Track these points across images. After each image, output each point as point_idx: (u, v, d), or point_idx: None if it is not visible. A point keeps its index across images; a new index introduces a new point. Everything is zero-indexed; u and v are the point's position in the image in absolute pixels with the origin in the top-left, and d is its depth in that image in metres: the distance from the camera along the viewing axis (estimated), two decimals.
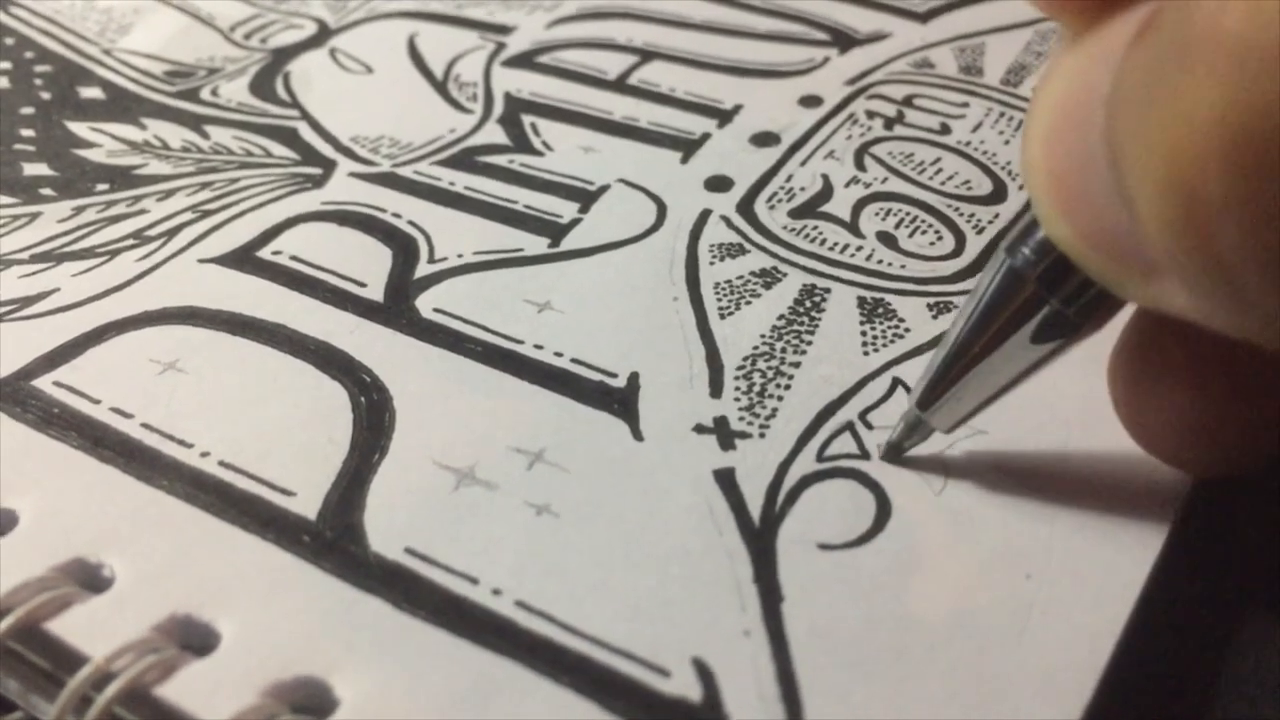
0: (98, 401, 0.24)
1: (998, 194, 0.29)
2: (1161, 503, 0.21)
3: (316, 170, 0.30)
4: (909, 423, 0.21)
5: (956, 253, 0.27)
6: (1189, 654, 0.20)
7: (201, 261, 0.27)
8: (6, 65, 0.35)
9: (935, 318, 0.25)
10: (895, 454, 0.22)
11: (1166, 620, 0.20)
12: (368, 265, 0.27)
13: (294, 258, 0.27)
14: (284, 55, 0.35)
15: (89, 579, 0.20)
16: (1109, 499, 0.21)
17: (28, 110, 0.33)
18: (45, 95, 0.34)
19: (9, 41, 0.36)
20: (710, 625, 0.19)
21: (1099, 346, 0.23)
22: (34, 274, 0.27)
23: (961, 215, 0.28)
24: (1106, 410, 0.21)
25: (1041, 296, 0.19)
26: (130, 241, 0.28)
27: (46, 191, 0.30)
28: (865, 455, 0.22)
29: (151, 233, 0.28)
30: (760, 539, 0.20)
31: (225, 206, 0.29)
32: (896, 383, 0.24)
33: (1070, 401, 0.22)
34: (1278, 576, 0.21)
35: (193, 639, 0.19)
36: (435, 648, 0.19)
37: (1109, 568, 0.20)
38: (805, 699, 0.18)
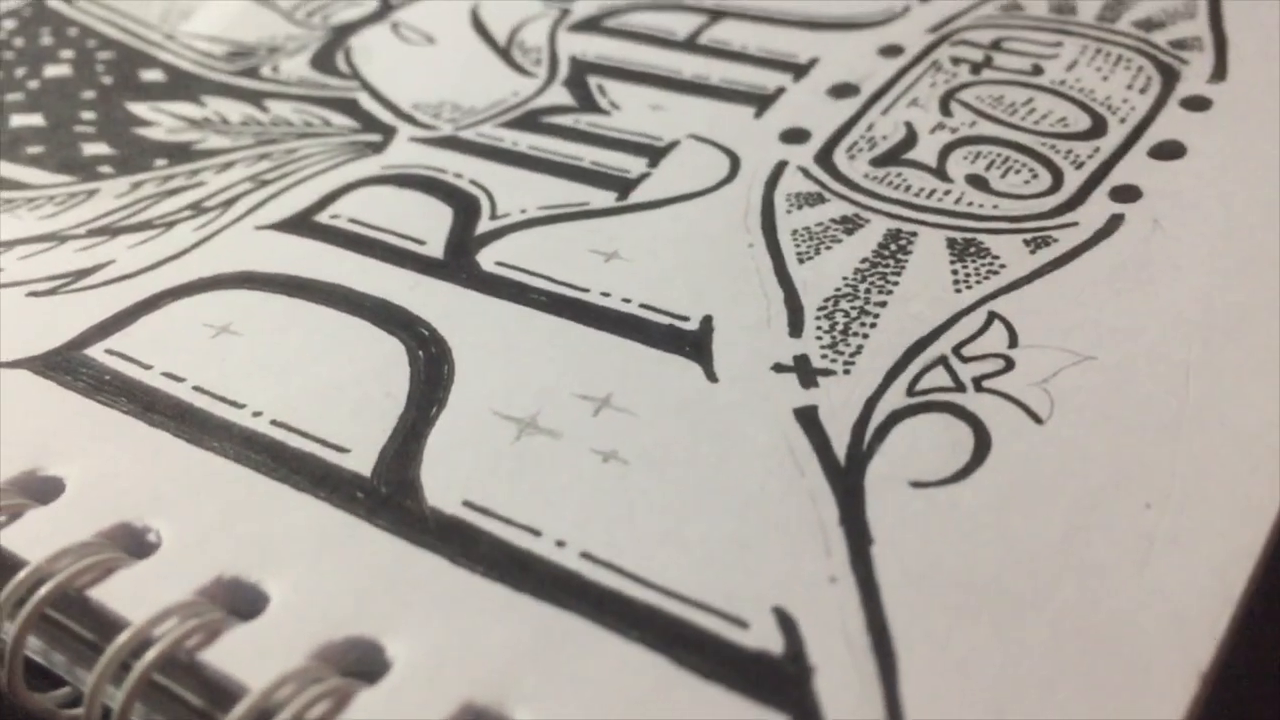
0: (149, 367, 0.23)
1: (1097, 129, 0.27)
2: None
3: (376, 137, 0.29)
4: None
5: (1054, 189, 0.25)
6: None
7: (259, 228, 0.26)
8: (69, 54, 0.35)
9: (1033, 252, 0.23)
10: None
11: None
12: (427, 224, 0.26)
13: (352, 220, 0.26)
14: (345, 31, 0.35)
15: (134, 544, 0.19)
16: (1237, 420, 0.19)
17: (89, 94, 0.33)
18: (106, 80, 0.33)
19: (71, 32, 0.36)
20: (792, 572, 0.17)
21: (1219, 259, 0.21)
22: (90, 248, 0.26)
23: (1058, 152, 0.26)
24: (1233, 325, 0.19)
25: None
26: (188, 213, 0.27)
27: (105, 169, 0.29)
28: (960, 388, 0.20)
29: (209, 203, 0.27)
30: (846, 478, 0.19)
31: (283, 175, 0.28)
32: (993, 317, 0.22)
33: (1190, 318, 0.20)
34: None
35: (240, 602, 0.18)
36: (494, 604, 0.18)
37: (1239, 493, 0.18)
38: (899, 648, 0.16)
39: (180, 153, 0.30)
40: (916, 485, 0.19)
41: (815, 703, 0.16)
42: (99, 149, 0.30)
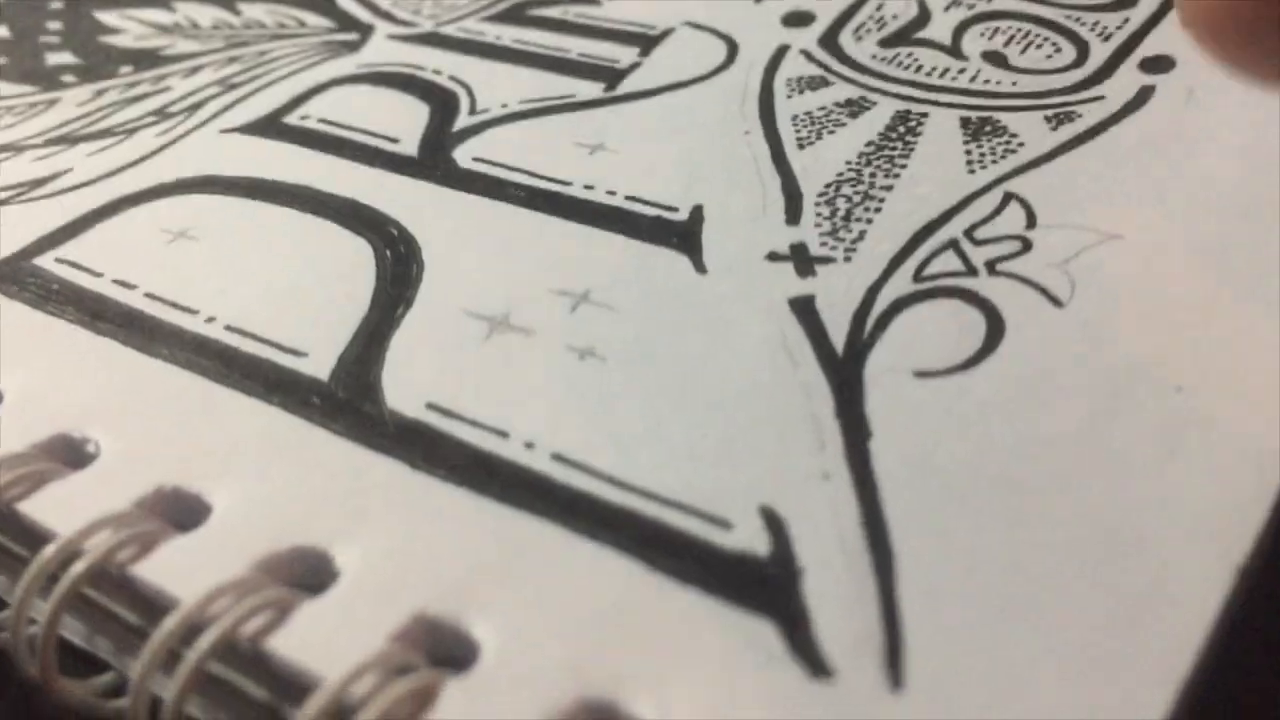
0: (100, 275, 0.21)
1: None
2: None
3: (353, 35, 0.28)
4: None
5: (1079, 62, 0.23)
6: None
7: (224, 132, 0.25)
8: None
9: (1055, 129, 0.21)
10: None
11: None
12: (402, 122, 0.24)
13: (323, 120, 0.25)
14: None
15: (72, 455, 0.18)
16: (1277, 296, 0.17)
17: (56, 4, 0.31)
18: None
19: None
20: (782, 469, 0.16)
21: (1259, 129, 0.20)
22: (47, 157, 0.25)
23: (1084, 25, 0.24)
24: (1274, 197, 0.17)
25: None
26: (151, 119, 0.26)
27: (68, 78, 0.28)
28: (972, 272, 0.18)
29: (174, 109, 0.26)
30: (844, 370, 0.17)
31: (253, 79, 0.26)
32: (1009, 197, 0.20)
33: (1225, 191, 0.19)
34: None
35: (182, 514, 0.17)
36: (456, 510, 0.16)
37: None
38: (896, 544, 0.14)
39: (147, 59, 0.28)
40: (921, 375, 0.17)
41: (802, 605, 0.14)
42: (63, 58, 0.28)
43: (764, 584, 0.14)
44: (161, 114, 0.26)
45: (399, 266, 0.20)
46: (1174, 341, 0.16)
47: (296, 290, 0.20)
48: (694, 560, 0.15)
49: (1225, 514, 0.14)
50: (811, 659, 0.13)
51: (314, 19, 0.28)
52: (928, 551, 0.14)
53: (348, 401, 0.18)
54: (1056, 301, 0.18)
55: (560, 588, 0.15)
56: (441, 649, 0.14)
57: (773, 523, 0.15)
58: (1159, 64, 0.22)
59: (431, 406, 0.17)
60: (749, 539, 0.15)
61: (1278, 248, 0.18)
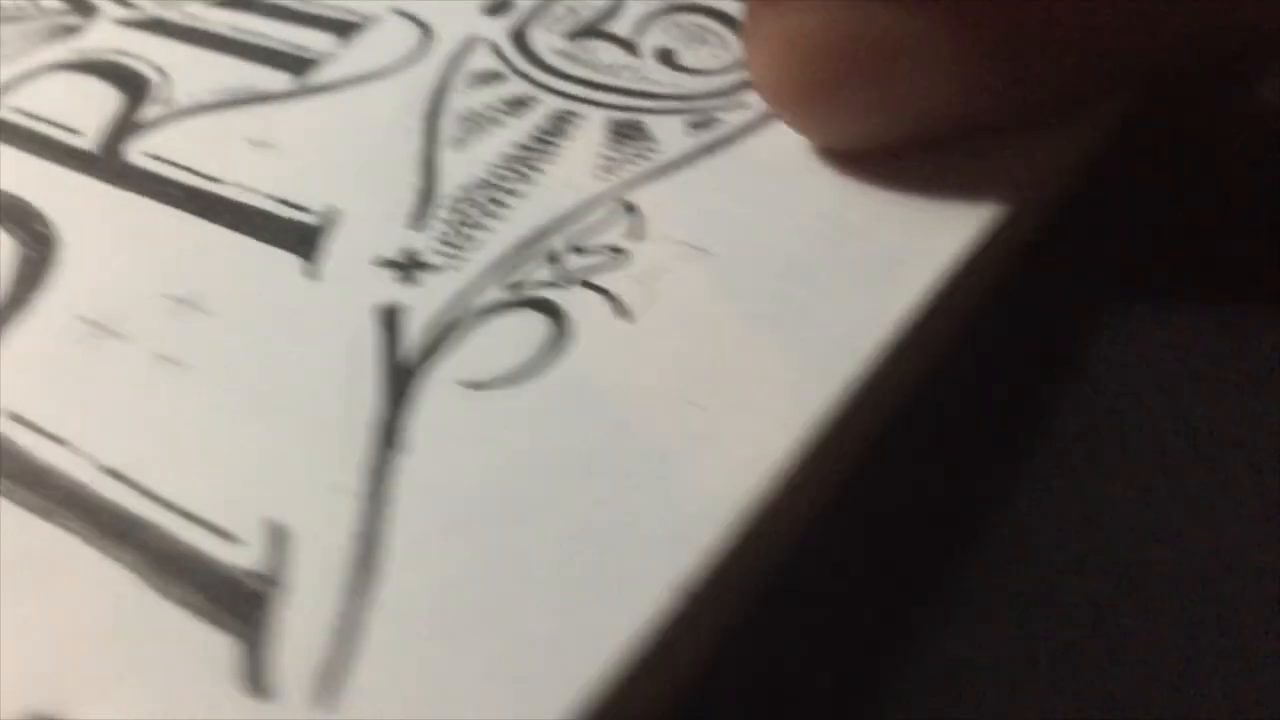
0: None
1: None
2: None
3: (76, 20, 0.28)
4: None
5: (740, 64, 0.23)
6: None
7: None
8: None
9: (693, 134, 0.22)
10: None
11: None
12: (91, 113, 0.24)
13: (17, 109, 0.25)
14: None
15: None
16: (828, 323, 0.17)
17: None
18: None
19: None
20: (304, 482, 0.16)
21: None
22: None
23: None
24: (863, 225, 0.18)
25: None
26: None
27: None
28: (561, 283, 0.19)
29: None
30: (402, 382, 0.18)
31: None
32: (623, 206, 0.20)
33: (824, 209, 0.19)
34: None
35: None
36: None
37: (792, 400, 0.16)
38: (385, 564, 0.15)
39: None
40: (475, 387, 0.17)
41: (270, 624, 0.15)
42: None
43: (242, 600, 0.15)
44: None
45: (32, 268, 0.21)
46: (717, 362, 0.17)
47: None
48: (189, 575, 0.15)
49: (686, 529, 0.15)
50: (255, 679, 0.14)
51: (51, 1, 0.29)
52: (411, 572, 0.15)
53: None
54: (627, 315, 0.18)
55: (61, 604, 0.15)
56: None
57: (276, 537, 0.16)
58: None
59: (14, 417, 0.18)
60: (251, 555, 0.16)
61: (844, 275, 0.18)
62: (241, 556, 0.16)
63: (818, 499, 0.17)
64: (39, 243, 0.21)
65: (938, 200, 0.19)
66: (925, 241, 0.19)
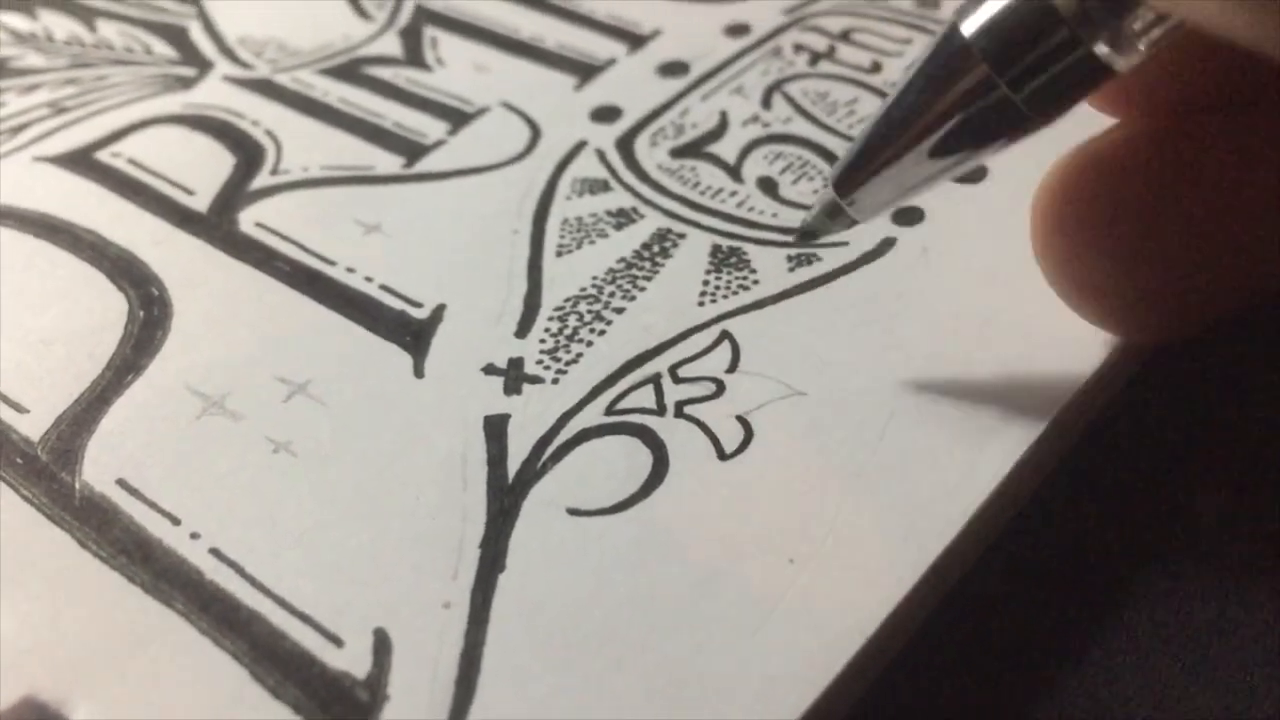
0: None
1: None
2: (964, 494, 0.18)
3: (190, 71, 0.28)
4: (824, 206, 0.19)
5: None
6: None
7: (36, 160, 0.26)
8: None
9: (791, 270, 0.22)
10: (807, 239, 0.21)
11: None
12: (205, 173, 0.25)
13: (131, 161, 0.26)
14: None
15: None
16: (917, 478, 0.18)
17: None
18: None
19: None
20: (411, 592, 0.17)
21: (968, 301, 0.21)
22: None
23: None
24: (948, 378, 0.19)
25: (989, 77, 0.16)
26: None
27: None
28: (661, 411, 0.19)
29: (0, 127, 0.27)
30: (507, 498, 0.18)
31: (84, 104, 0.27)
32: (724, 336, 0.21)
33: (915, 363, 0.20)
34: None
35: None
36: (103, 592, 0.17)
37: (885, 559, 0.17)
38: (483, 683, 0.16)
39: None
40: (573, 513, 0.18)
41: None
42: None
43: (348, 707, 0.15)
44: None
45: (145, 331, 0.21)
46: (808, 512, 0.18)
47: (45, 342, 0.21)
48: (296, 675, 0.16)
49: (789, 682, 0.15)
50: None
51: (161, 47, 0.29)
52: (507, 694, 0.16)
53: (46, 466, 0.19)
54: (722, 453, 0.19)
55: (169, 688, 0.16)
56: None
57: (381, 646, 0.16)
58: (909, 215, 0.23)
59: (121, 483, 0.19)
60: (354, 659, 0.16)
61: (930, 429, 0.19)
62: (346, 662, 0.16)
63: (893, 647, 0.17)
64: (154, 307, 0.22)
65: (1029, 366, 0.20)
66: (1018, 407, 0.19)
